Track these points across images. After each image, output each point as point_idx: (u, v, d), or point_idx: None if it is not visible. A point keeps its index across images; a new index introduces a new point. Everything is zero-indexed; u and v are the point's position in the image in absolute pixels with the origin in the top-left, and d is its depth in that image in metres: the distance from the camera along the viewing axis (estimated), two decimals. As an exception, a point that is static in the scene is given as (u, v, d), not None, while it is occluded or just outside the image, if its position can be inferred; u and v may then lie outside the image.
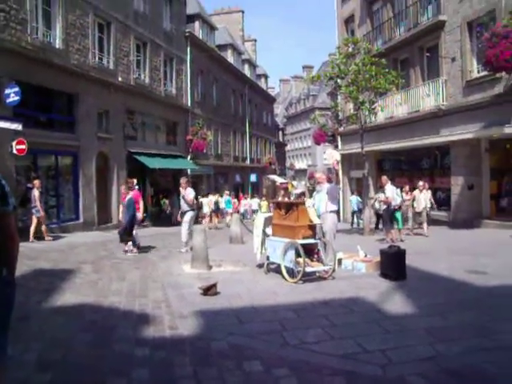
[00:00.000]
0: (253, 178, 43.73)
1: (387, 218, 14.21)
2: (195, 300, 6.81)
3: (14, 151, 14.45)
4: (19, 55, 15.17)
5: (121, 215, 14.23)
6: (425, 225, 15.78)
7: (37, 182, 14.42)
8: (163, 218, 25.40)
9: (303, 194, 10.85)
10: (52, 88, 17.31)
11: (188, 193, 12.95)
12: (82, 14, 18.84)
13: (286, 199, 9.39)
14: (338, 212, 9.89)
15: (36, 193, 14.20)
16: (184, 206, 13.02)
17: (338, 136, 27.78)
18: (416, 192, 16.39)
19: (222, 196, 27.01)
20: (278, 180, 53.34)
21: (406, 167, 22.83)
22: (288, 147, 73.83)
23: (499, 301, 6.74)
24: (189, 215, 12.84)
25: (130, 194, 12.38)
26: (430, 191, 16.63)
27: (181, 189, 13.29)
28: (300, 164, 72.14)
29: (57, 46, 17.53)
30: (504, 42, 13.86)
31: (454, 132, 17.85)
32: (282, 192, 10.12)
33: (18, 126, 13.84)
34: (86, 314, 6.17)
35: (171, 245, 14.74)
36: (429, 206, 16.04)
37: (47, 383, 3.98)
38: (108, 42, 21.10)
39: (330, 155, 9.49)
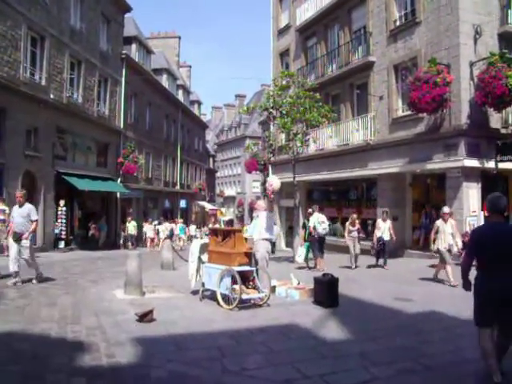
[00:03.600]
0: (182, 203, 43.38)
1: (316, 246, 14.79)
2: (131, 327, 6.65)
3: None
4: None
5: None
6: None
7: None
8: (90, 241, 24.61)
9: (231, 221, 10.97)
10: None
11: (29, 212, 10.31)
12: (13, 25, 18.25)
13: (217, 225, 9.46)
14: (272, 241, 10.06)
15: None
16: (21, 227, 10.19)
17: (270, 165, 28.32)
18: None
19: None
20: (208, 206, 53.72)
21: (335, 197, 23.58)
22: (218, 174, 74.10)
23: (424, 325, 7.18)
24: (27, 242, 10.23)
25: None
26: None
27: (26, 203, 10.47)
28: (229, 191, 72.54)
29: (-15, 58, 16.83)
30: (425, 86, 14.97)
31: (381, 166, 18.75)
32: (213, 219, 10.16)
33: None
34: (13, 343, 5.82)
35: (100, 269, 14.26)
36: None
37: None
38: (41, 57, 20.51)
39: (274, 181, 9.68)
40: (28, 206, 10.41)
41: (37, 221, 10.68)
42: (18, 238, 10.08)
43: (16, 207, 10.45)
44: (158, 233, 28.48)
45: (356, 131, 20.47)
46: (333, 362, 5.32)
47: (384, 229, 14.92)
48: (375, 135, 19.56)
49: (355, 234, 15.22)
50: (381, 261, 15.14)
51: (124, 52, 29.12)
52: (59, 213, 21.42)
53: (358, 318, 7.68)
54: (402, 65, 18.50)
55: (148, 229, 28.13)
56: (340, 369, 5.09)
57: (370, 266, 15.11)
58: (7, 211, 16.50)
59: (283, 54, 27.89)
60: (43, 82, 20.54)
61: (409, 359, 5.45)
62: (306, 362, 5.28)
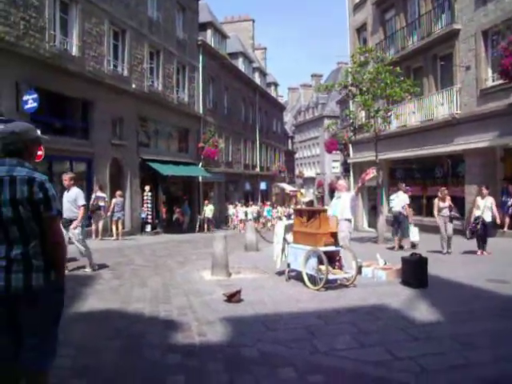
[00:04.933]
0: (263, 185, 43.73)
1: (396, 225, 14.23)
2: (219, 307, 6.80)
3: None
4: (37, 62, 15.35)
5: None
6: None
7: None
8: (175, 225, 25.48)
9: (311, 202, 10.88)
10: (68, 95, 17.47)
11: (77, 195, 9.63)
12: (97, 21, 19.04)
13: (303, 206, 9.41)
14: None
15: None
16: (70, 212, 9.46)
17: (350, 144, 27.78)
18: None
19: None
20: (288, 188, 53.92)
21: (419, 175, 22.74)
22: (297, 155, 73.87)
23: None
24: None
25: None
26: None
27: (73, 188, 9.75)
28: (309, 172, 72.14)
29: (73, 54, 17.72)
30: (521, 51, 13.91)
31: (469, 140, 17.79)
32: (294, 200, 10.13)
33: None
34: (111, 321, 6.18)
35: (186, 251, 14.72)
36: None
37: (83, 389, 3.98)
38: (123, 49, 21.30)
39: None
40: (75, 190, 9.65)
41: (84, 206, 9.76)
42: (66, 224, 9.18)
43: (65, 192, 9.69)
44: (246, 215, 30.31)
45: (441, 105, 19.54)
46: (424, 345, 5.12)
47: (483, 207, 12.71)
48: (461, 108, 18.56)
49: (446, 211, 13.02)
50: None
51: (200, 38, 29.57)
52: (145, 198, 22.32)
53: (448, 299, 7.34)
54: (493, 29, 17.30)
55: (240, 211, 30.80)
56: (432, 351, 4.87)
57: (466, 253, 12.84)
58: (107, 198, 17.52)
59: (360, 30, 27.09)
60: (125, 73, 21.35)
61: (506, 344, 5.12)
62: (397, 343, 5.14)
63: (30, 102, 14.40)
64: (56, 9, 16.93)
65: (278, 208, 35.75)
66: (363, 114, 20.53)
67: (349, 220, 9.43)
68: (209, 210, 27.33)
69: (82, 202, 9.60)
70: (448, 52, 19.67)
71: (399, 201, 14.11)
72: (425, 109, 20.54)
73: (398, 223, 14.14)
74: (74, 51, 17.77)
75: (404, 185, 15.18)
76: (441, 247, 12.91)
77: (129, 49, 21.50)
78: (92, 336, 5.46)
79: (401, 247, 13.93)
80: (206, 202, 27.92)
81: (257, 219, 31.18)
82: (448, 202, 13.18)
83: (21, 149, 3.15)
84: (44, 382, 3.14)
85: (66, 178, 9.78)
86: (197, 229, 26.38)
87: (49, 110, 16.63)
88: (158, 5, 24.46)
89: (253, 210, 31.89)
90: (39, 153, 14.48)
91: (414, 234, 14.37)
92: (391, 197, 14.88)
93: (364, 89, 16.62)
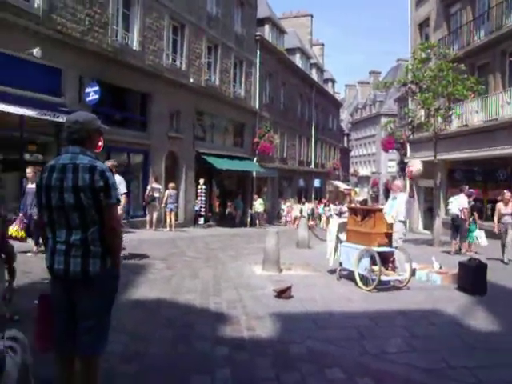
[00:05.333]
0: (316, 182, 43.38)
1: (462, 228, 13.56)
2: (269, 302, 6.77)
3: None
4: (100, 56, 15.81)
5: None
6: None
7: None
8: (227, 219, 25.69)
9: (365, 201, 10.62)
10: (127, 88, 17.90)
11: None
12: (158, 16, 19.37)
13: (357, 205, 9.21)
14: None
15: None
16: None
17: (407, 143, 27.05)
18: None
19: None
20: (342, 186, 53.16)
21: (480, 178, 21.84)
22: (352, 153, 72.87)
23: None
24: None
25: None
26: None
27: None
28: (364, 171, 71.04)
29: (134, 48, 18.13)
30: None
31: (537, 142, 16.88)
32: (348, 198, 9.92)
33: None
34: (163, 310, 6.27)
35: (238, 245, 14.78)
36: None
37: (133, 375, 4.04)
38: (181, 43, 21.58)
39: (415, 165, 9.22)
40: (118, 178, 8.93)
41: (126, 194, 9.73)
42: None
43: None
44: (301, 212, 29.96)
45: (507, 104, 18.65)
46: (482, 355, 4.88)
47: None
48: (530, 107, 17.63)
49: (508, 218, 11.79)
50: None
51: (258, 34, 29.56)
52: (199, 191, 22.58)
53: (508, 309, 6.99)
54: None
55: (294, 208, 30.87)
56: (491, 363, 4.65)
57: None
58: (162, 190, 17.90)
59: (422, 25, 26.25)
60: (183, 67, 21.63)
61: None
62: (451, 350, 4.94)
63: (92, 94, 14.85)
64: (119, 4, 17.37)
65: (331, 206, 35.34)
66: (422, 112, 19.91)
67: (403, 222, 9.17)
68: (258, 205, 27.23)
69: (123, 189, 9.66)
70: (519, 47, 18.69)
71: (458, 203, 13.49)
72: (489, 108, 19.65)
73: (455, 226, 13.59)
74: (135, 45, 18.18)
75: (468, 187, 14.48)
76: (502, 256, 11.88)
77: (187, 43, 21.77)
78: (143, 324, 5.55)
79: (458, 251, 13.40)
80: (256, 196, 27.82)
81: (311, 216, 31.01)
82: (511, 208, 11.97)
83: (84, 138, 3.23)
84: (96, 365, 3.23)
85: (109, 164, 9.53)
86: (247, 223, 26.36)
87: (109, 102, 17.09)
88: (217, 0, 24.62)
89: (307, 207, 31.73)
90: (99, 143, 14.94)
91: (481, 238, 13.33)
92: (450, 199, 14.31)
93: (424, 86, 16.08)
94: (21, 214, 9.44)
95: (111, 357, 4.28)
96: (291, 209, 31.72)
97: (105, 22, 16.24)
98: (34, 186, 9.53)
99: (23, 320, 4.72)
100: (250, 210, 27.09)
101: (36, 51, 13.09)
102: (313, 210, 32.49)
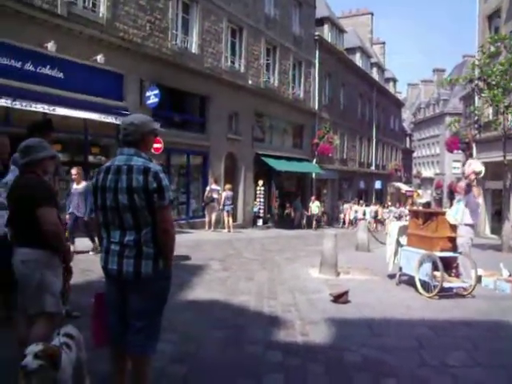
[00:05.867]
0: (377, 184, 42.44)
1: None
2: (325, 306, 6.58)
3: (152, 149, 15.32)
4: (159, 60, 16.14)
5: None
6: None
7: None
8: (286, 220, 25.55)
9: (429, 203, 10.11)
10: (187, 90, 18.14)
11: None
12: (216, 20, 19.53)
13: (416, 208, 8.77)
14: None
15: None
16: None
17: (473, 143, 25.90)
18: None
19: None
20: (404, 188, 51.68)
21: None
22: (415, 154, 70.76)
23: None
24: None
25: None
26: None
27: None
28: (427, 172, 68.85)
29: (193, 51, 18.37)
30: None
31: None
32: (410, 201, 9.43)
33: (156, 126, 14.63)
34: (216, 311, 6.22)
35: (295, 247, 14.64)
36: None
37: (182, 376, 4.00)
38: (240, 46, 21.67)
39: (474, 163, 8.68)
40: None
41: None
42: None
43: None
44: (364, 214, 30.14)
45: None
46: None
47: None
48: None
49: None
50: None
51: (317, 34, 29.23)
52: (258, 192, 22.58)
53: None
54: None
55: (358, 210, 30.68)
56: None
57: None
58: (220, 191, 18.05)
59: (492, 17, 24.96)
60: (242, 69, 21.71)
61: None
62: (520, 367, 4.56)
63: (152, 97, 15.17)
64: (178, 9, 17.66)
65: (391, 208, 34.43)
66: (490, 110, 18.99)
67: (470, 225, 8.61)
68: (315, 207, 26.60)
69: None
70: None
71: None
72: None
73: None
74: (194, 49, 18.41)
75: None
76: None
77: (246, 45, 21.84)
78: (195, 325, 5.52)
79: None
80: (313, 198, 27.14)
81: (374, 219, 30.64)
82: None
83: (138, 139, 3.25)
84: (146, 365, 3.25)
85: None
86: (303, 225, 25.98)
87: (169, 105, 17.40)
88: (275, 1, 24.51)
89: (371, 209, 31.18)
90: (158, 145, 15.26)
91: None
92: None
93: (493, 83, 15.27)
94: (67, 216, 9.69)
95: (162, 356, 4.27)
96: (348, 211, 31.21)
97: (165, 26, 16.57)
98: (79, 186, 9.82)
99: (82, 317, 4.83)
100: (306, 212, 26.64)
101: (100, 58, 13.58)
102: (376, 212, 31.82)
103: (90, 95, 13.40)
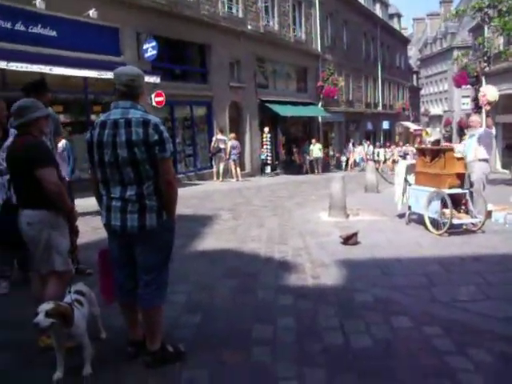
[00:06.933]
0: (385, 125, 41.92)
1: None
2: (335, 249, 6.62)
3: (154, 103, 15.17)
4: (155, 11, 15.72)
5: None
6: None
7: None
8: (294, 166, 25.45)
9: (438, 141, 9.96)
10: (185, 40, 17.74)
11: None
12: (211, -37, 18.82)
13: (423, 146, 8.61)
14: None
15: None
16: None
17: (483, 76, 25.27)
18: None
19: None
20: (412, 127, 51.11)
21: None
22: (422, 92, 69.38)
23: None
24: None
25: None
26: None
27: None
28: (435, 110, 67.62)
29: (188, -2, 17.79)
30: None
31: None
32: (419, 139, 9.24)
33: (156, 79, 14.40)
34: (227, 260, 6.29)
35: (305, 192, 14.66)
36: None
37: (196, 325, 4.08)
38: (236, -11, 20.97)
39: (489, 91, 8.40)
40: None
41: None
42: None
43: None
44: (378, 155, 30.75)
45: None
46: None
47: None
48: None
49: None
50: None
51: (317, -29, 28.16)
52: (264, 139, 22.43)
53: None
54: None
55: (380, 152, 31.26)
56: None
57: None
58: (227, 141, 17.96)
59: None
60: (240, 15, 21.06)
61: None
62: (531, 299, 4.57)
63: (150, 50, 14.87)
64: (170, -46, 16.98)
65: (394, 148, 33.71)
66: (501, 40, 18.36)
67: (484, 160, 8.43)
68: (317, 150, 25.18)
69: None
70: None
71: None
72: None
73: None
74: (189, -5, 17.83)
75: None
76: None
77: (242, -12, 21.12)
78: (208, 274, 5.60)
79: None
80: (314, 141, 25.86)
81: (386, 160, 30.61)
82: None
83: (133, 91, 3.17)
84: (157, 316, 3.31)
85: None
86: (306, 170, 25.15)
87: (168, 57, 17.09)
88: None
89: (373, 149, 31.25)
90: (160, 99, 15.07)
91: None
92: None
93: (504, 9, 14.62)
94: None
95: (175, 307, 4.37)
96: (352, 153, 30.87)
97: (157, -26, 15.98)
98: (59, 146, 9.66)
99: (95, 274, 4.91)
100: (308, 157, 25.61)
101: (92, 12, 13.25)
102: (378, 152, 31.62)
103: (86, 52, 13.18)
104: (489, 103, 8.44)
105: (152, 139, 3.00)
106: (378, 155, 30.84)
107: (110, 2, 14.01)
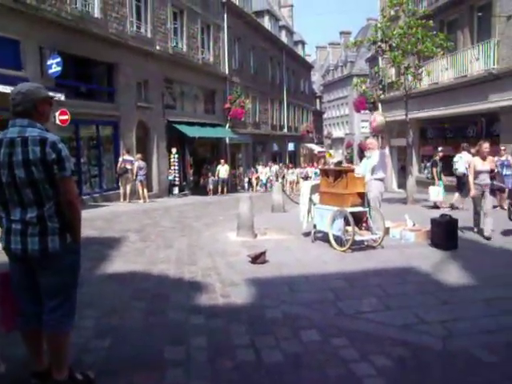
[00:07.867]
0: (290, 146, 43.31)
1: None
2: (244, 268, 6.75)
3: (58, 122, 14.61)
4: (59, 26, 15.24)
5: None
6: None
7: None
8: (202, 187, 25.52)
9: (340, 162, 10.57)
10: (92, 58, 17.35)
11: None
12: (119, -19, 18.65)
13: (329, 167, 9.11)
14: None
15: None
16: None
17: (379, 103, 27.04)
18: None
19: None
20: (316, 149, 53.20)
21: (451, 135, 22.01)
22: (325, 115, 72.69)
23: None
24: None
25: None
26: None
27: None
28: (337, 132, 71.08)
29: (95, 16, 17.47)
30: None
31: (505, 97, 16.98)
32: (323, 161, 9.76)
33: (60, 97, 13.89)
34: (136, 282, 6.20)
35: (213, 213, 14.76)
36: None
37: (106, 349, 3.99)
38: (145, 10, 20.89)
39: (378, 117, 9.10)
40: None
41: None
42: None
43: None
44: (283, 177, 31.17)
45: (476, 60, 18.65)
46: (454, 309, 4.96)
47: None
48: (499, 63, 17.62)
49: (485, 178, 9.06)
50: None
51: (224, -3, 28.82)
52: (172, 160, 22.32)
53: (480, 262, 7.10)
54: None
55: (289, 174, 31.69)
56: (462, 316, 4.72)
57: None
58: (134, 161, 17.63)
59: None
60: (149, 35, 20.99)
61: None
62: (425, 307, 4.99)
63: (54, 66, 14.36)
64: (76, -30, 16.63)
65: (295, 170, 34.60)
66: (393, 71, 19.81)
67: (380, 179, 9.11)
68: (224, 171, 25.61)
69: None
70: (487, 1, 18.53)
71: (463, 162, 13.04)
72: (458, 65, 19.65)
73: (462, 184, 13.26)
74: (96, 13, 17.48)
75: (466, 145, 14.24)
76: (473, 225, 9.54)
77: (152, 9, 21.07)
78: (117, 297, 5.48)
79: (451, 207, 13.36)
80: (222, 161, 26.21)
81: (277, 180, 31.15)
82: (490, 165, 9.37)
83: (30, 109, 3.04)
84: (63, 342, 3.15)
85: None
86: (209, 190, 25.07)
87: (74, 74, 16.58)
88: (180, -37, 23.80)
89: (272, 170, 31.55)
90: (65, 117, 14.55)
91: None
92: (455, 158, 14.06)
93: (394, 44, 15.93)
94: None
95: (84, 332, 4.24)
96: (254, 174, 31.51)
97: (61, -12, 15.54)
98: None
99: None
100: (212, 178, 25.73)
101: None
102: (277, 173, 31.91)
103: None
104: (378, 128, 9.08)
105: (50, 158, 2.90)
106: (283, 177, 31.50)
107: (9, 12, 13.38)
